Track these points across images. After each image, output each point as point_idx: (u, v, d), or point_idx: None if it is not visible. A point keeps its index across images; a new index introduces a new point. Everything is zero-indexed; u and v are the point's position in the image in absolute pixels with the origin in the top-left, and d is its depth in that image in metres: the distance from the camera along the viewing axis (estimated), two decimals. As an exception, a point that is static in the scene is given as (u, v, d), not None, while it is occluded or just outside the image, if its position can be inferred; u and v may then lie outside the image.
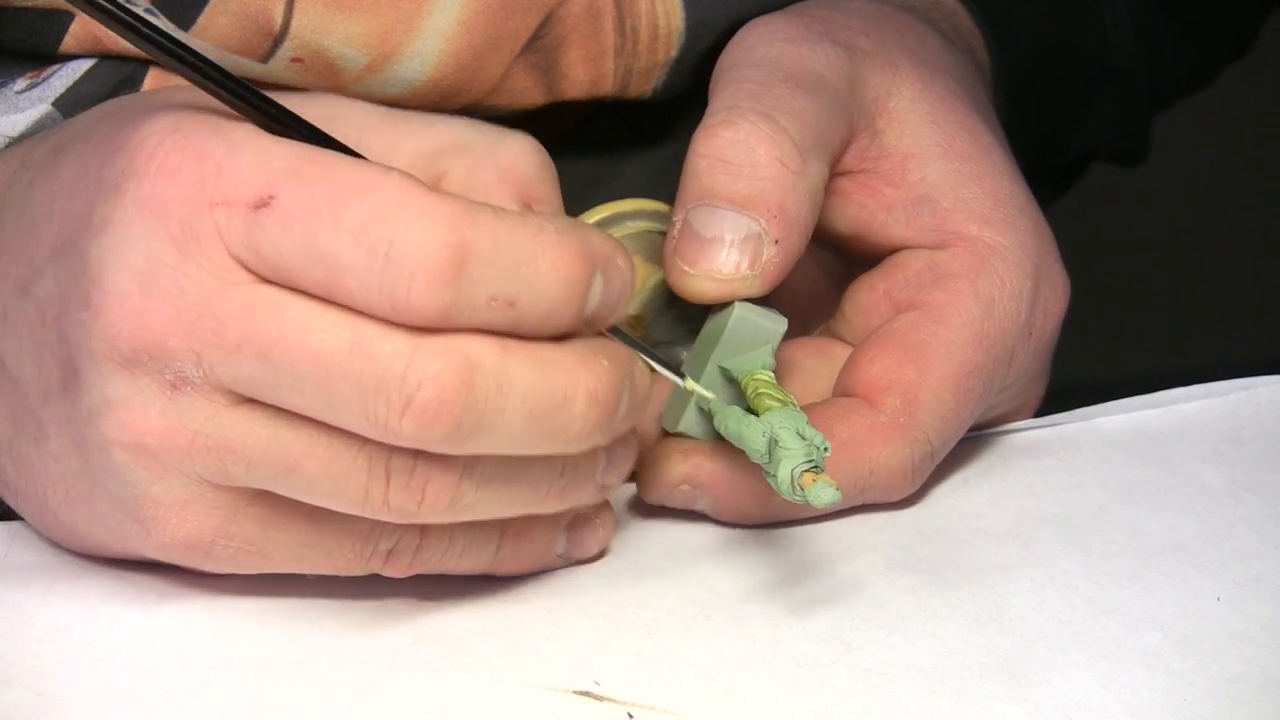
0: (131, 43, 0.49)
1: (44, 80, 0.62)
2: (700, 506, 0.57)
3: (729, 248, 0.55)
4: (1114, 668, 0.51)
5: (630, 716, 0.49)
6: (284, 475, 0.49)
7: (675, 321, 0.59)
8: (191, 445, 0.49)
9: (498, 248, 0.47)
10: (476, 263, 0.47)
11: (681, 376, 0.55)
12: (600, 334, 0.51)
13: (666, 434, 0.58)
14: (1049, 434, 0.63)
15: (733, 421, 0.54)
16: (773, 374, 0.55)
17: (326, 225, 0.47)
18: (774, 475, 0.52)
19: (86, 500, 0.51)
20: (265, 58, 0.61)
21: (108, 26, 0.48)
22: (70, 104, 0.62)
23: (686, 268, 0.56)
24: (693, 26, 0.67)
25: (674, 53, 0.67)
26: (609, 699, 0.50)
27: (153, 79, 0.63)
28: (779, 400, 0.53)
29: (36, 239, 0.51)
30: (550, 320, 0.49)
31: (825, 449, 0.52)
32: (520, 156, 0.52)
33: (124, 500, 0.50)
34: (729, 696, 0.50)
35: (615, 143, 0.70)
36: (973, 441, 0.62)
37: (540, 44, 0.65)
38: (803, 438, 0.51)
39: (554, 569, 0.55)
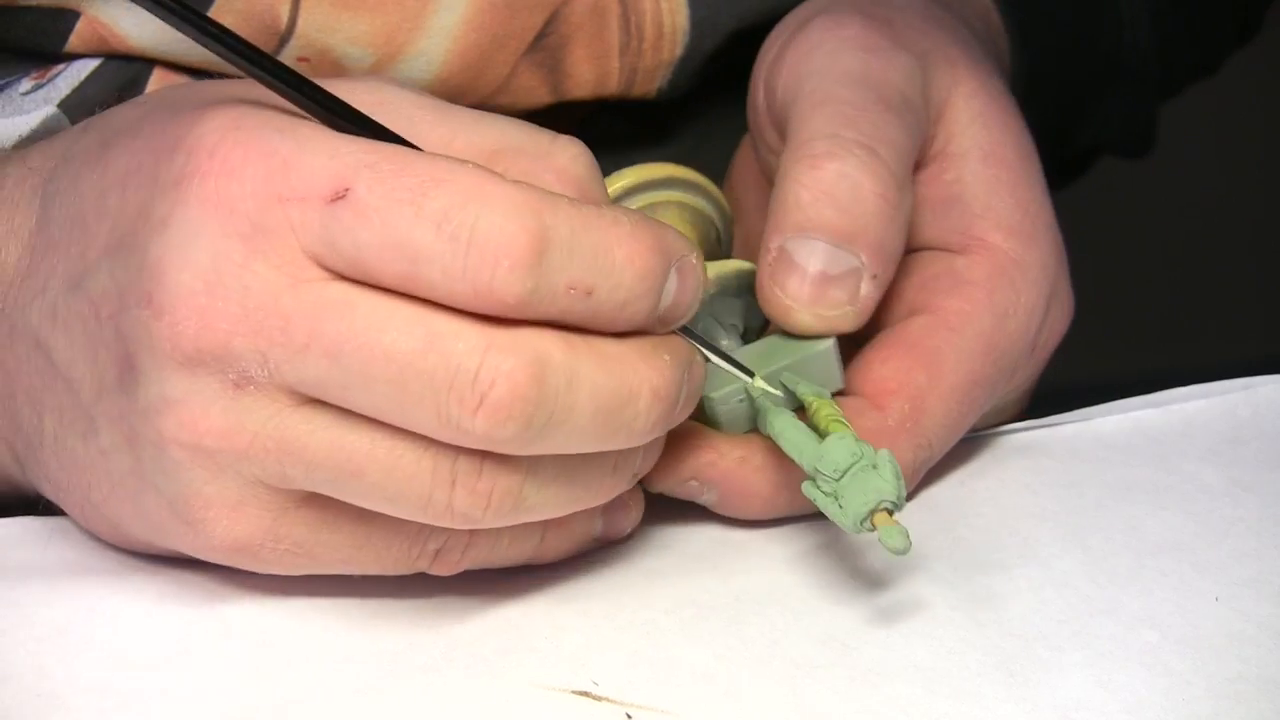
0: (201, 43, 0.48)
1: (49, 81, 0.62)
2: (704, 500, 0.57)
3: (831, 283, 0.55)
4: (1112, 667, 0.51)
5: (629, 717, 0.49)
6: (345, 479, 0.49)
7: (723, 313, 0.59)
8: (251, 446, 0.48)
9: (576, 235, 0.48)
10: (557, 249, 0.47)
11: (750, 375, 0.55)
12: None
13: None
14: (1047, 434, 0.63)
15: (791, 428, 0.53)
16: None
17: (407, 214, 0.47)
18: (839, 497, 0.51)
19: (133, 497, 0.51)
20: (271, 57, 0.61)
21: (165, 20, 0.48)
22: (75, 106, 0.62)
23: (790, 301, 0.56)
24: (697, 24, 0.67)
25: (679, 51, 0.67)
26: (607, 699, 0.50)
27: (157, 79, 0.63)
28: (852, 436, 0.53)
29: (87, 234, 0.51)
30: (624, 313, 0.49)
31: (902, 500, 0.51)
32: (573, 160, 0.52)
33: (174, 499, 0.50)
34: (727, 697, 0.50)
35: (619, 141, 0.70)
36: (971, 441, 0.62)
37: (545, 43, 0.65)
38: (897, 477, 0.51)
39: (590, 550, 0.56)
